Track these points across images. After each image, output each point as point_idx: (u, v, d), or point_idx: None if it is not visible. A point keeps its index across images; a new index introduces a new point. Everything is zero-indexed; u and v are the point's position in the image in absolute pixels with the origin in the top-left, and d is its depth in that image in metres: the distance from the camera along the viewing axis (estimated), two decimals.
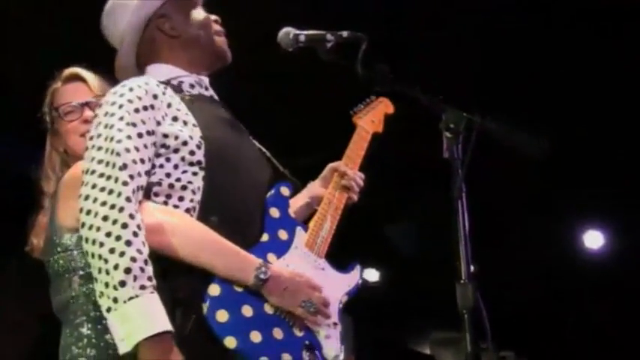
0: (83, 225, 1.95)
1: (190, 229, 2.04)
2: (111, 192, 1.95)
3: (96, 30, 2.40)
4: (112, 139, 2.02)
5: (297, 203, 2.50)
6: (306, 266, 2.24)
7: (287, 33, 2.34)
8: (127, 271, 1.88)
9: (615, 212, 6.38)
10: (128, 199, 1.95)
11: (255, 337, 2.04)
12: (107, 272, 1.89)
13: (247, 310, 2.06)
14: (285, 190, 2.31)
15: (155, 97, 2.13)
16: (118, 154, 1.99)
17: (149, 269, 1.92)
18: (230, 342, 2.00)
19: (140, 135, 2.06)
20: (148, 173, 2.06)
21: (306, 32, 2.33)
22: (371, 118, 2.79)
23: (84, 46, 2.53)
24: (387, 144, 2.79)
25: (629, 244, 6.46)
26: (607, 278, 6.49)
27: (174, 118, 2.15)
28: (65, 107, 2.43)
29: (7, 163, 5.21)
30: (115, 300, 1.89)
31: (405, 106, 2.43)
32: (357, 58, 2.16)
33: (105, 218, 1.92)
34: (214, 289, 2.04)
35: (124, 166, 1.98)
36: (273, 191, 2.28)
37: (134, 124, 2.06)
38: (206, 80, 2.40)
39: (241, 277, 2.06)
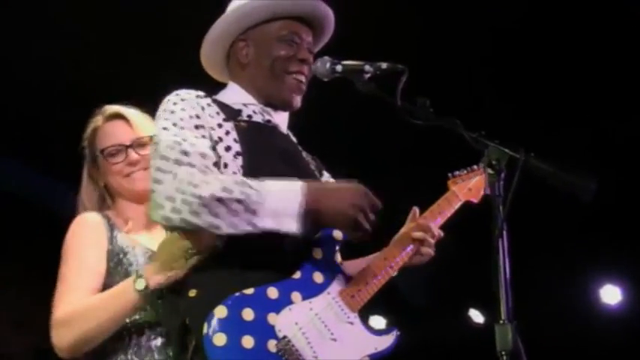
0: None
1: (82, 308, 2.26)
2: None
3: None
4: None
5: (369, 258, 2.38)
6: (331, 315, 2.13)
7: (324, 62, 2.27)
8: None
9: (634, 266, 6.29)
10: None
11: None
12: (231, 196, 1.99)
13: (248, 342, 1.97)
14: (338, 234, 2.17)
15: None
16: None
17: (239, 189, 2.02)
18: None
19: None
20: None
21: (343, 62, 2.26)
22: (468, 185, 2.61)
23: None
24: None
25: None
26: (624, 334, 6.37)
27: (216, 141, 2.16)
28: (110, 150, 2.44)
29: None
30: (255, 212, 2.00)
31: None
32: (397, 90, 2.12)
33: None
34: (221, 311, 1.98)
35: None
36: (323, 232, 2.15)
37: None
38: (275, 113, 2.35)
39: (126, 299, 2.25)
